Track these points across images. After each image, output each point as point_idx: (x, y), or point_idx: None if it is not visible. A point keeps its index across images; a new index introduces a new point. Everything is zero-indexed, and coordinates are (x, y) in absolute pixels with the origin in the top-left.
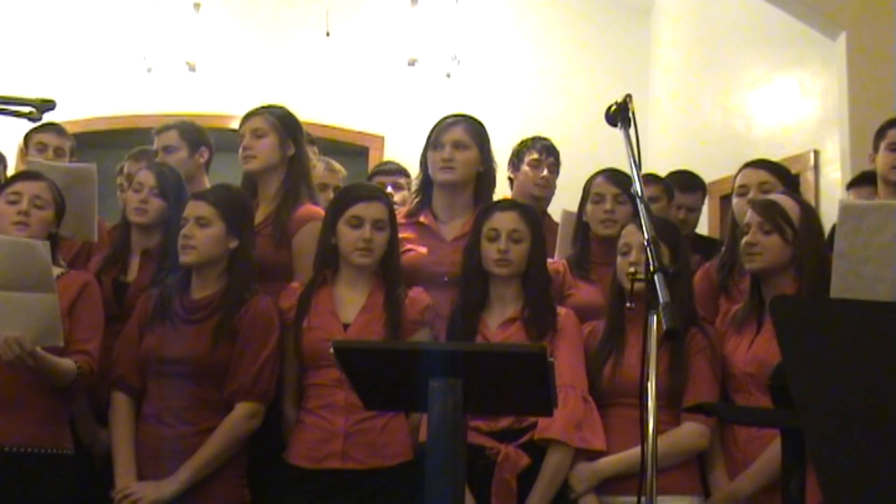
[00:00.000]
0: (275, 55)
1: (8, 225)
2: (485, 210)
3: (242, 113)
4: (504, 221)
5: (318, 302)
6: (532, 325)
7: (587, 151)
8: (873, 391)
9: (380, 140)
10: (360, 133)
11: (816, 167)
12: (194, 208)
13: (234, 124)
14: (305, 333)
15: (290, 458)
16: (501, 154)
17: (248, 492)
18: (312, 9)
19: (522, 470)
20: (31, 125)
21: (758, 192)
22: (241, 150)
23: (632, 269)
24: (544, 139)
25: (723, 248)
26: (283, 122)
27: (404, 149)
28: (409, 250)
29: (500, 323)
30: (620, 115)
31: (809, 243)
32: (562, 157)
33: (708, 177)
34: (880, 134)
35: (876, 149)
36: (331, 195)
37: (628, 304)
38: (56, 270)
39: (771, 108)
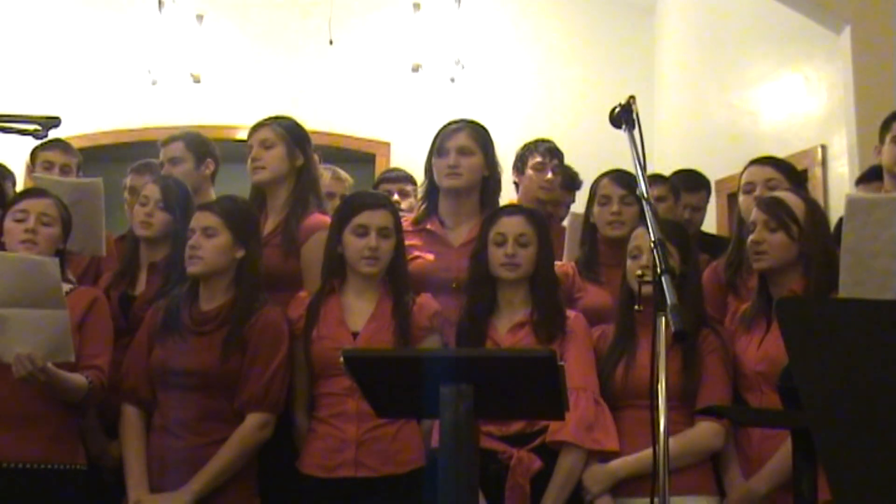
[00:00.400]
0: (279, 64)
1: (16, 243)
2: (491, 215)
3: (248, 123)
4: (510, 226)
5: (326, 311)
6: (541, 328)
7: (593, 153)
8: (880, 390)
9: (386, 146)
10: (366, 140)
11: (824, 162)
12: (200, 219)
13: (240, 135)
14: (315, 343)
15: (302, 467)
16: (508, 158)
17: (259, 502)
18: (315, 17)
19: (535, 473)
20: (36, 142)
21: (764, 189)
22: (249, 160)
23: (639, 272)
24: (547, 141)
25: (730, 247)
26: (290, 133)
27: (410, 155)
28: (416, 257)
29: (509, 327)
30: (624, 116)
31: (816, 239)
32: (568, 159)
33: (715, 175)
34: (886, 126)
35: (882, 141)
36: (338, 203)
37: (637, 307)
38: (65, 286)
39: (777, 104)
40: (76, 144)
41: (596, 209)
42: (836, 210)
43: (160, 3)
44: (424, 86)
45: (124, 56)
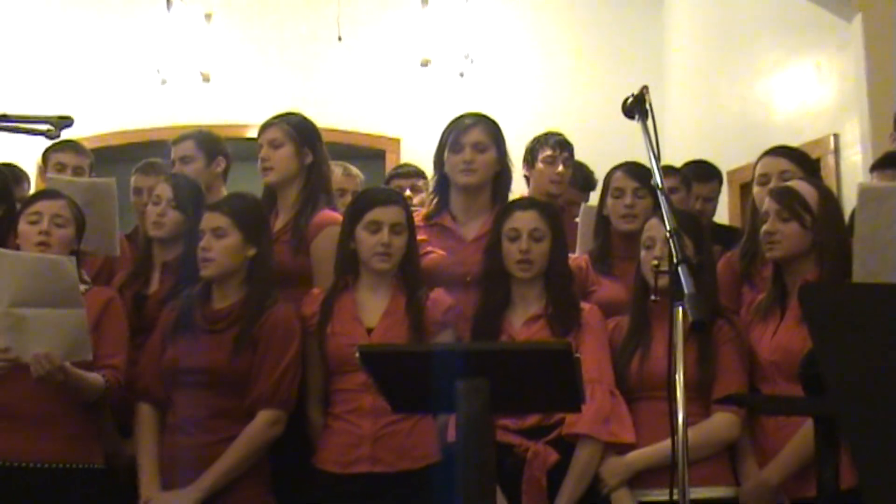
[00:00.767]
0: (288, 62)
1: (30, 245)
2: (504, 209)
3: (258, 121)
4: (524, 221)
5: (340, 308)
6: (556, 321)
7: (604, 145)
8: None
9: (396, 143)
10: (376, 136)
11: (837, 151)
12: (209, 220)
13: (251, 133)
14: (329, 339)
15: (318, 463)
16: (518, 152)
17: (273, 498)
18: (323, 14)
19: (552, 466)
20: (48, 142)
21: (779, 180)
22: (259, 160)
23: (655, 262)
24: (557, 134)
25: (744, 237)
26: (299, 131)
27: (421, 150)
28: (428, 252)
29: (524, 321)
30: (637, 107)
31: (829, 229)
32: (579, 152)
33: (727, 165)
34: None
35: None
36: (349, 200)
37: (653, 297)
38: (80, 287)
39: (788, 93)
40: (87, 145)
41: (609, 202)
42: (849, 199)
43: (168, 2)
44: (434, 81)
45: (133, 56)
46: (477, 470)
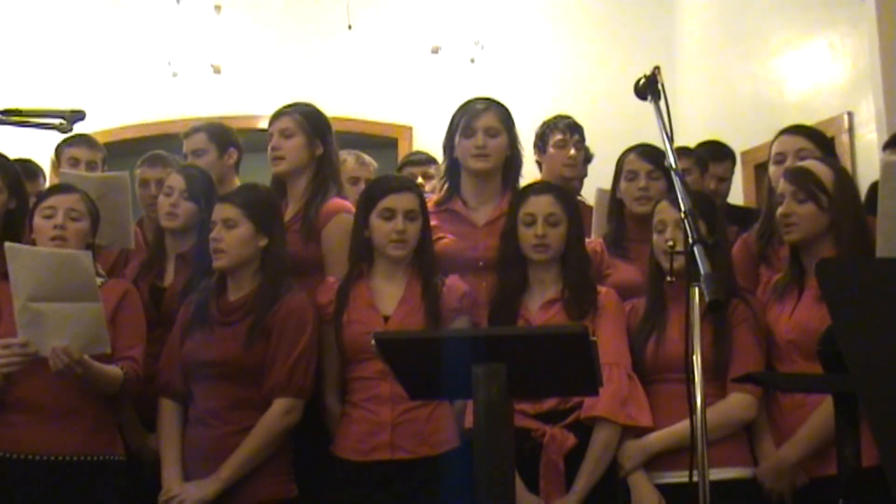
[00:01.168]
0: (298, 52)
1: (46, 240)
2: (520, 194)
3: (270, 112)
4: (540, 205)
5: (356, 296)
6: (573, 305)
7: (616, 128)
8: None
9: (408, 130)
10: (388, 125)
11: (851, 129)
12: (220, 211)
13: (262, 124)
14: (346, 328)
15: (337, 451)
16: (529, 137)
17: (294, 486)
18: (333, 3)
19: (569, 450)
20: (62, 136)
21: (795, 159)
22: (269, 150)
23: (670, 243)
24: (566, 117)
25: (760, 218)
26: (310, 121)
27: (433, 137)
28: (440, 238)
29: (540, 305)
30: (650, 87)
31: (845, 208)
32: (592, 135)
33: (740, 146)
34: None
35: None
36: (362, 188)
37: (669, 279)
38: (97, 280)
39: (801, 72)
40: (99, 139)
41: (623, 184)
42: (864, 177)
43: None
44: (444, 68)
45: (144, 49)
46: (495, 455)
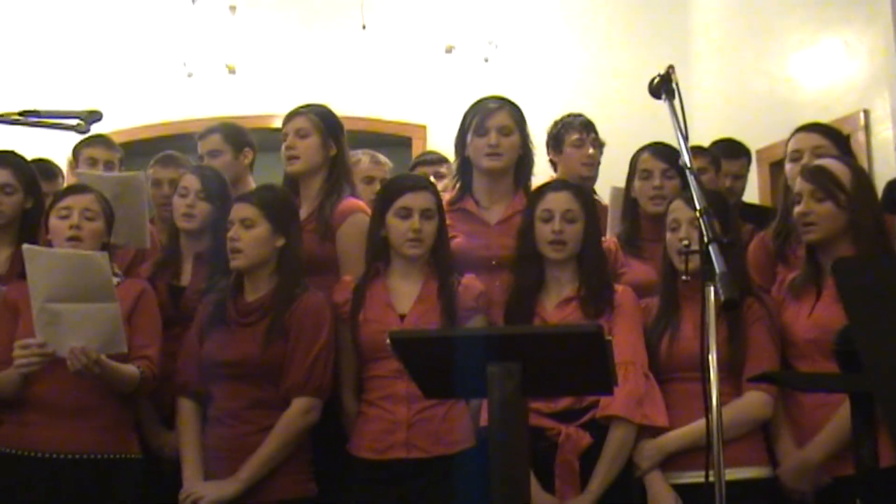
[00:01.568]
0: (312, 52)
1: (61, 240)
2: (537, 191)
3: (284, 112)
4: (557, 202)
5: (372, 295)
6: (589, 304)
7: (630, 127)
8: None
9: (422, 129)
10: (402, 124)
11: (867, 127)
12: (238, 211)
13: (277, 124)
14: (362, 326)
15: (353, 450)
16: (544, 135)
17: (314, 485)
18: (347, 3)
19: (584, 450)
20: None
21: (811, 156)
22: (283, 148)
23: (685, 242)
24: (580, 115)
25: (777, 216)
26: (325, 122)
27: (447, 137)
28: (453, 237)
29: (556, 303)
30: (664, 87)
31: (864, 207)
32: (606, 134)
33: (756, 144)
34: None
35: None
36: (378, 188)
37: (684, 277)
38: (113, 280)
39: (817, 69)
40: (115, 139)
41: (637, 183)
42: (880, 175)
43: None
44: (458, 67)
45: (160, 50)
46: (510, 454)
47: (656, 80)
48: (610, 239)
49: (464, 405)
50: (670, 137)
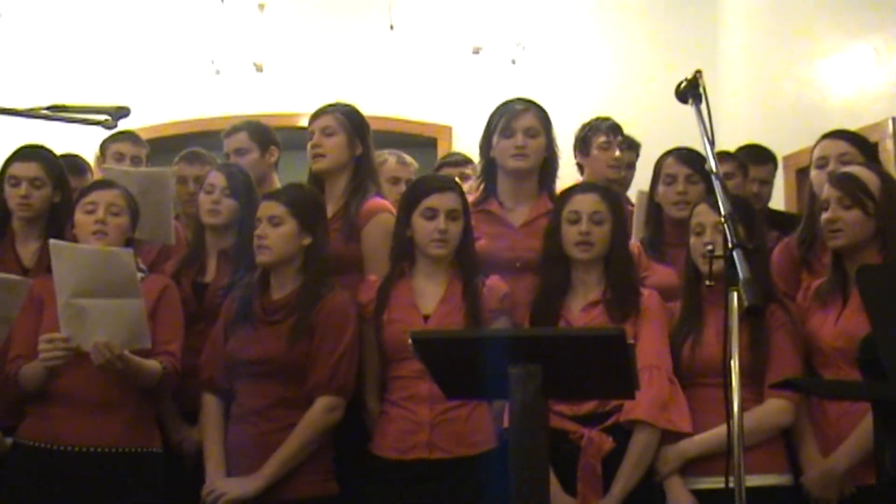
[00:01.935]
0: (340, 51)
1: (87, 235)
2: (564, 193)
3: (310, 111)
4: (585, 203)
5: (397, 294)
6: (615, 307)
7: (657, 130)
8: None
9: (447, 130)
10: (427, 124)
11: (895, 135)
12: (266, 208)
13: (303, 122)
14: (386, 326)
15: (375, 449)
16: (569, 138)
17: (335, 484)
18: (375, 3)
19: (607, 454)
20: (106, 132)
21: (837, 163)
22: (309, 146)
23: (709, 247)
24: (607, 119)
25: (802, 223)
26: (351, 121)
27: (472, 138)
28: (477, 239)
29: (582, 306)
30: (691, 91)
31: (892, 214)
32: (634, 137)
33: (782, 150)
34: None
35: None
36: (403, 188)
37: (708, 282)
38: (137, 275)
39: (846, 76)
40: (142, 135)
41: (661, 188)
42: None
43: None
44: (485, 68)
45: (188, 48)
46: (529, 456)
47: (683, 85)
48: (633, 243)
49: (486, 406)
50: (698, 141)
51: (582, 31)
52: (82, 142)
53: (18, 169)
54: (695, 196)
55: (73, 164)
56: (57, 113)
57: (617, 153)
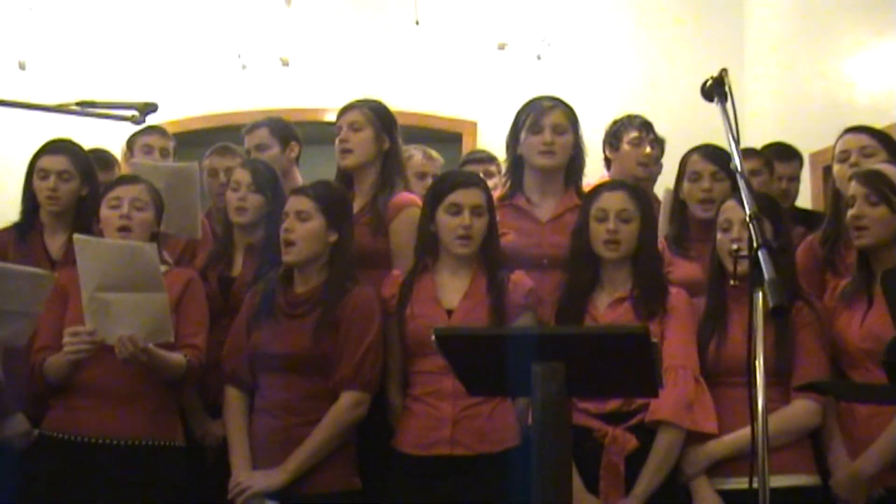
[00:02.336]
0: (366, 46)
1: (112, 229)
2: (592, 191)
3: (336, 106)
4: (612, 201)
5: (420, 289)
6: (641, 304)
7: (683, 127)
8: None
9: (472, 125)
10: (452, 120)
11: None
12: (295, 203)
13: (329, 117)
14: (409, 321)
15: (398, 445)
16: (594, 135)
17: (358, 479)
18: None
19: (630, 452)
20: (134, 127)
21: (859, 157)
22: (337, 141)
23: (735, 246)
24: (639, 116)
25: (825, 220)
26: (379, 117)
27: (497, 133)
28: (504, 233)
29: (609, 303)
30: (716, 90)
31: None
32: (660, 134)
33: (809, 148)
34: None
35: None
36: (430, 183)
37: (733, 282)
38: (161, 268)
39: (873, 73)
40: (169, 129)
41: (686, 185)
42: None
43: None
44: (511, 64)
45: (215, 42)
46: (552, 453)
47: (709, 83)
48: (659, 240)
49: (509, 403)
50: (724, 140)
51: (607, 29)
52: (110, 136)
53: (47, 162)
54: (720, 193)
55: (101, 158)
56: (85, 109)
57: (647, 149)
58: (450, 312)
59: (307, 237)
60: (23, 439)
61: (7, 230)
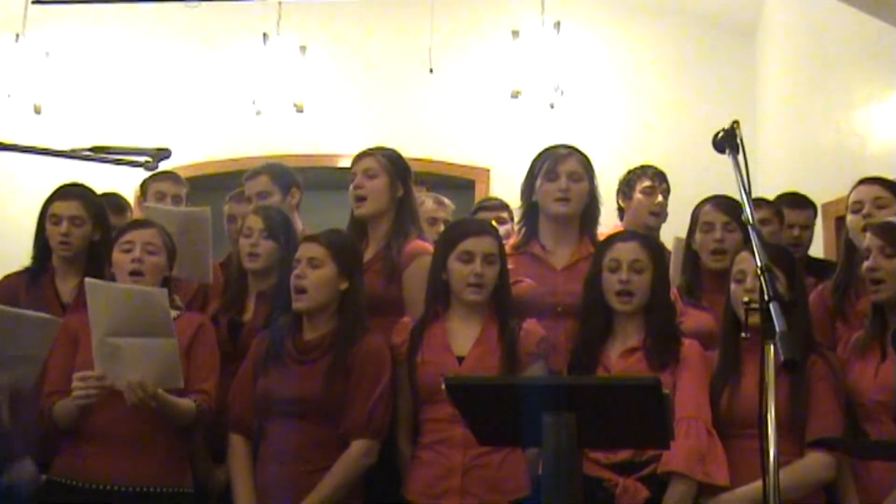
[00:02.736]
0: (380, 93)
1: (124, 273)
2: (605, 241)
3: (350, 152)
4: (625, 251)
5: (430, 336)
6: (654, 355)
7: (695, 178)
8: None
9: (486, 173)
10: (465, 167)
11: None
12: (306, 250)
13: (343, 163)
14: (419, 368)
15: (407, 494)
16: (606, 183)
17: None
18: (415, 47)
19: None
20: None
21: (872, 207)
22: (351, 188)
23: (746, 299)
24: (653, 166)
25: (836, 270)
26: (393, 164)
27: (510, 180)
28: (517, 281)
29: (620, 353)
30: (728, 141)
31: None
32: (671, 184)
33: (822, 198)
34: None
35: None
36: (441, 229)
37: (744, 335)
38: (172, 312)
39: (885, 124)
40: (183, 174)
41: (698, 236)
42: None
43: (265, 36)
44: (524, 112)
45: (230, 88)
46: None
47: (721, 135)
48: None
49: (520, 453)
50: (734, 189)
51: (620, 78)
52: (123, 180)
53: (59, 207)
54: (732, 244)
55: (114, 202)
56: (98, 154)
57: (660, 199)
58: (461, 360)
59: (318, 284)
60: (31, 485)
61: (19, 274)
